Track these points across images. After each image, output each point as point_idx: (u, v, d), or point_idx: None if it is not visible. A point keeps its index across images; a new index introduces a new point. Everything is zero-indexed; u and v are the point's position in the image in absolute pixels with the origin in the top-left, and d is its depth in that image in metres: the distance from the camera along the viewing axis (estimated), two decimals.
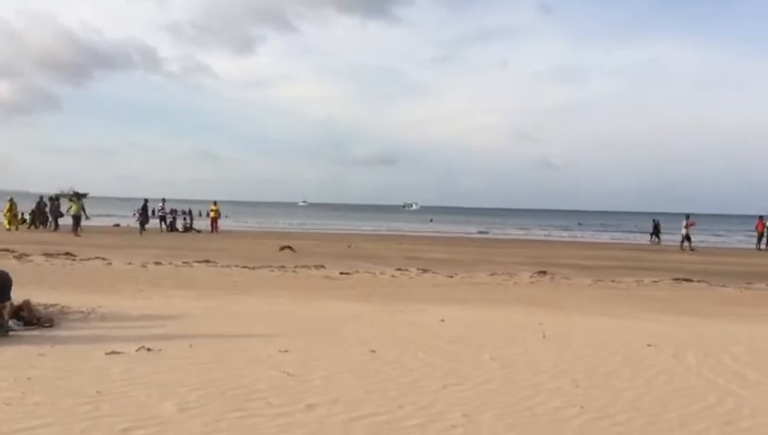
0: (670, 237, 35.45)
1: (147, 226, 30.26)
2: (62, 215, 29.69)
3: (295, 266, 15.36)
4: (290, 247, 21.11)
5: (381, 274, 14.77)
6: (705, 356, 6.30)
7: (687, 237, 30.19)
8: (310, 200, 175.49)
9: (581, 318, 9.05)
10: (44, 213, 31.08)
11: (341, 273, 14.44)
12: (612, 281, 14.88)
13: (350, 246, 24.38)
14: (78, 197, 29.01)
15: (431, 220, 73.25)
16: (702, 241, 36.46)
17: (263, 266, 15.16)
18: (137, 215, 31.45)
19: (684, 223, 30.73)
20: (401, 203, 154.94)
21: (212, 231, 32.82)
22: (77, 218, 27.01)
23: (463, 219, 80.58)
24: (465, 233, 46.06)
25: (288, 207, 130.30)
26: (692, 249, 29.17)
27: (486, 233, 47.71)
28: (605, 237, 44.06)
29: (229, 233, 33.37)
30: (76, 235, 25.23)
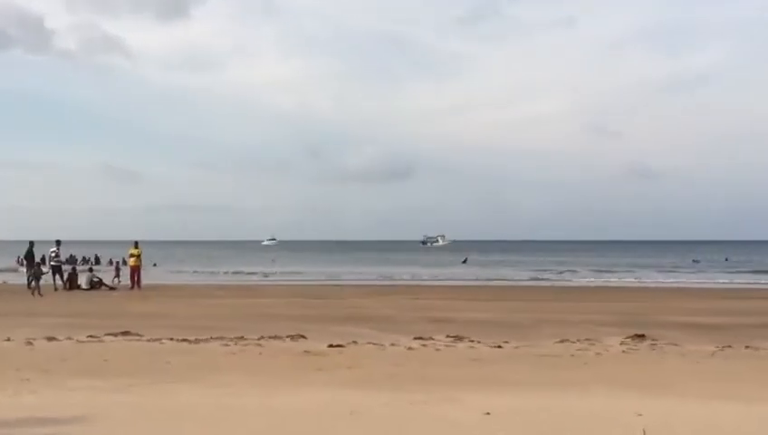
0: None
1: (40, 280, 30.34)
2: None
3: (260, 338, 15.31)
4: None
5: (392, 344, 14.70)
6: None
7: None
8: (280, 237, 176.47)
9: (699, 406, 8.95)
10: None
11: (331, 345, 14.36)
12: (747, 347, 14.74)
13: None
14: None
15: (464, 261, 73.48)
16: None
17: (210, 339, 15.10)
18: (23, 263, 31.57)
19: None
20: (421, 237, 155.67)
21: (132, 287, 32.92)
22: None
23: (512, 259, 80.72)
24: (516, 279, 46.05)
25: (248, 249, 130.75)
26: None
27: (547, 279, 47.62)
28: (735, 280, 43.90)
29: (159, 289, 33.45)
30: None
